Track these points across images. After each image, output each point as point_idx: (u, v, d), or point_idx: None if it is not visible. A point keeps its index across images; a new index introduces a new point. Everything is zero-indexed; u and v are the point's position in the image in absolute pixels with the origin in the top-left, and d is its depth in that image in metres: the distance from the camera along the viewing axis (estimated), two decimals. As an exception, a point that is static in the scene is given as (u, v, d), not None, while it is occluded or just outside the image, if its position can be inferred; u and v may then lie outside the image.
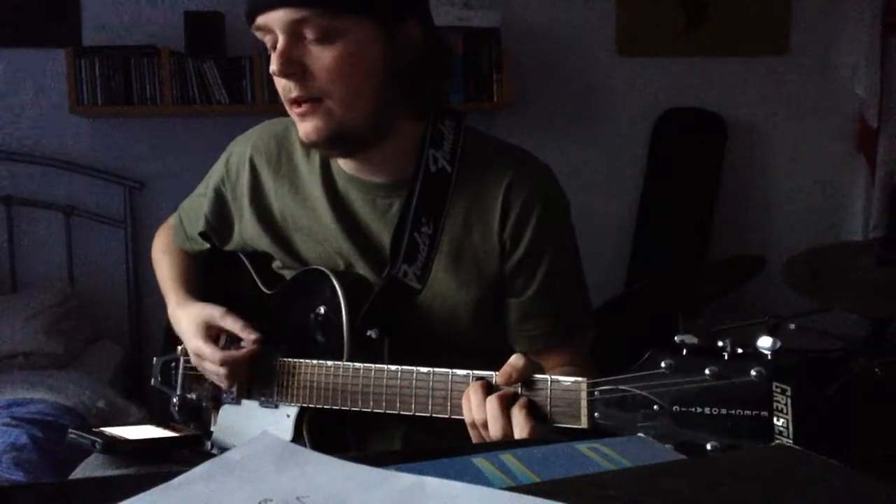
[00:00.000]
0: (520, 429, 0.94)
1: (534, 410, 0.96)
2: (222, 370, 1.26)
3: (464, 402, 1.01)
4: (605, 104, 3.46)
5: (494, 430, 0.96)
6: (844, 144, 3.61)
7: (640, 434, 0.82)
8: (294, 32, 1.08)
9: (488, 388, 0.99)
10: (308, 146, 1.19)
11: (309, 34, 1.08)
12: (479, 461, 0.58)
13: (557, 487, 0.51)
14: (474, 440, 1.02)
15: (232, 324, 1.27)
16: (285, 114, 1.21)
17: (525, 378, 0.98)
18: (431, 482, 0.52)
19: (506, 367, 0.99)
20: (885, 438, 1.93)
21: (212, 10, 3.09)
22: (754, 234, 3.55)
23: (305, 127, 1.14)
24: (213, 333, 1.29)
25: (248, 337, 1.26)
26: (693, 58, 3.47)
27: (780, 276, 2.43)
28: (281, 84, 1.13)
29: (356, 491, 0.51)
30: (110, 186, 3.14)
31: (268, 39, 1.12)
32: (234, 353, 1.26)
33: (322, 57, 1.09)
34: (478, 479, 0.55)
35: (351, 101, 1.11)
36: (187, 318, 1.32)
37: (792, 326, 2.18)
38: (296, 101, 1.12)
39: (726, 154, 3.48)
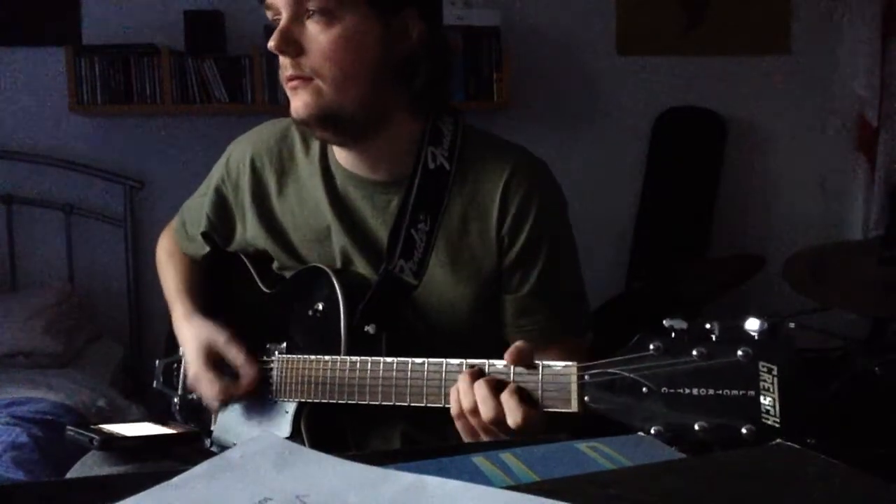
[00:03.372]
0: (512, 414, 0.95)
1: (525, 396, 0.96)
2: (216, 402, 1.28)
3: (451, 392, 1.02)
4: (605, 104, 3.46)
5: (486, 413, 0.96)
6: (844, 144, 3.61)
7: (640, 433, 0.82)
8: (297, 11, 1.13)
9: (478, 376, 1.00)
10: (298, 123, 1.21)
11: (311, 6, 1.12)
12: (479, 460, 0.58)
13: (557, 486, 0.51)
14: (462, 432, 1.02)
15: (234, 355, 1.28)
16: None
17: (527, 361, 0.98)
18: (431, 481, 0.52)
19: (511, 349, 0.99)
20: (885, 438, 1.93)
21: (212, 9, 3.09)
22: (754, 233, 3.55)
23: (295, 102, 1.17)
24: (214, 357, 1.30)
25: (248, 373, 1.26)
26: (693, 57, 3.46)
27: (780, 275, 2.43)
28: (280, 62, 1.17)
29: (356, 490, 0.51)
30: (110, 185, 3.14)
31: (270, 14, 1.17)
32: (231, 387, 1.26)
33: (319, 38, 1.13)
34: (478, 477, 0.55)
35: (341, 84, 1.14)
36: (190, 335, 1.33)
37: (791, 325, 2.18)
38: (290, 79, 1.16)
39: (726, 154, 3.48)
